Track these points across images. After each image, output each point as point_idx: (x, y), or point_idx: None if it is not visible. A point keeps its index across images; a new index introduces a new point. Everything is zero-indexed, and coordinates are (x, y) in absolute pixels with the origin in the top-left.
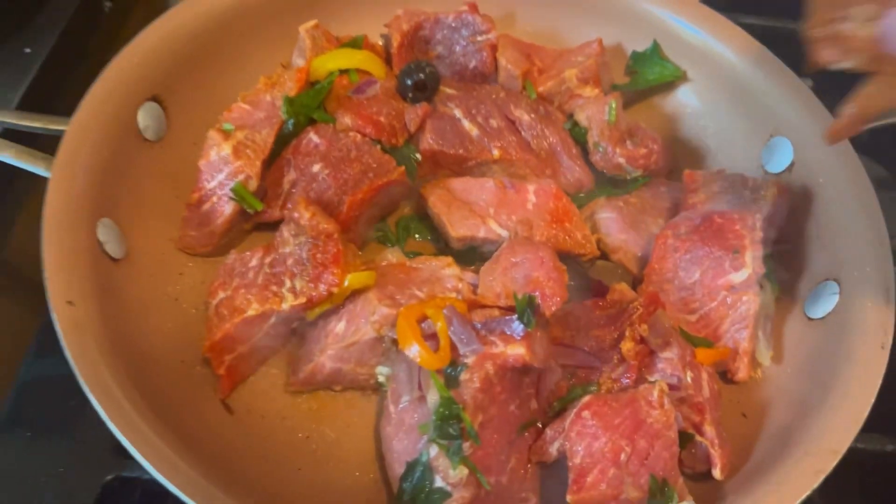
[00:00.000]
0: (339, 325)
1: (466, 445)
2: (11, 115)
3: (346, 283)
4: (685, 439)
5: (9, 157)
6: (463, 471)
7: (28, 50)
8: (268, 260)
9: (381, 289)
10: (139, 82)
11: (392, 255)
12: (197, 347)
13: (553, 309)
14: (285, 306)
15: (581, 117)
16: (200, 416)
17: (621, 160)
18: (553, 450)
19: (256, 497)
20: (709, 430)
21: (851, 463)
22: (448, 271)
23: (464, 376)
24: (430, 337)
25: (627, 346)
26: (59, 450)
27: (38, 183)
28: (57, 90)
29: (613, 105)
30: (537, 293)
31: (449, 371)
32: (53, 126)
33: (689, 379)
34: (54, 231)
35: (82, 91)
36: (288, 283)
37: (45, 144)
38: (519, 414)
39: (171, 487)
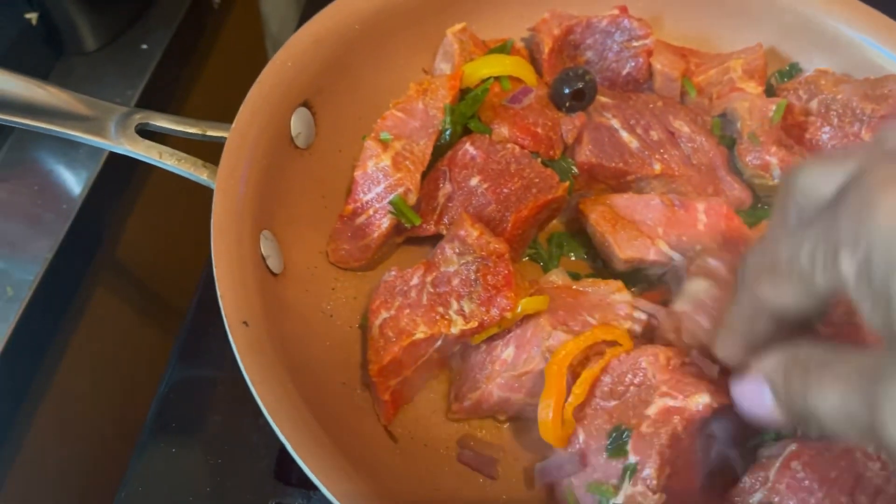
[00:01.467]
0: (506, 352)
1: (655, 498)
2: (169, 119)
3: (518, 309)
4: None
5: (171, 164)
6: None
7: (145, 46)
8: (430, 279)
9: (552, 313)
10: (293, 87)
11: (557, 277)
12: (353, 368)
13: None
14: (454, 330)
15: (740, 107)
16: (367, 441)
17: (773, 160)
18: (755, 501)
19: None
20: None
21: None
22: (619, 297)
23: (646, 429)
24: None
25: None
26: (204, 467)
27: (153, 177)
28: (172, 87)
29: (783, 105)
30: None
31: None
32: (213, 132)
33: None
34: (224, 244)
35: (194, 88)
36: (455, 305)
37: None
38: (704, 461)
39: None
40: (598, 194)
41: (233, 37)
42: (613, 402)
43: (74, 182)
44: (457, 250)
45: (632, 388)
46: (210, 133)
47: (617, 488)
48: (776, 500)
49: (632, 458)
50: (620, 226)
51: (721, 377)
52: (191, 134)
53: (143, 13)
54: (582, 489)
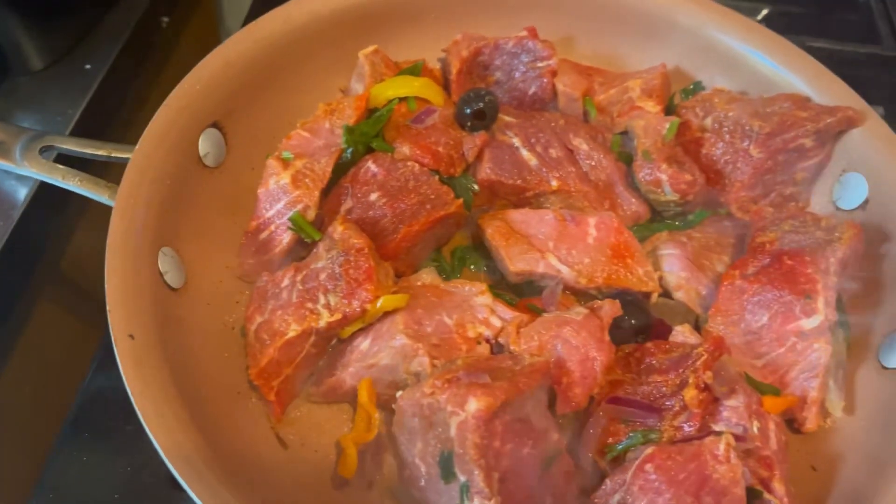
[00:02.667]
0: (364, 343)
1: None
2: (74, 142)
3: (378, 305)
4: (752, 496)
5: (74, 185)
6: None
7: (88, 66)
8: (299, 277)
9: (410, 312)
10: (201, 109)
11: (426, 276)
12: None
13: (574, 403)
14: (322, 323)
15: (636, 126)
16: (256, 450)
17: (664, 177)
18: (613, 502)
19: None
20: (778, 486)
21: None
22: (480, 300)
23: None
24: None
25: (691, 393)
26: (114, 475)
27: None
28: (115, 107)
29: (675, 124)
30: (564, 380)
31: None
32: (118, 154)
33: (755, 429)
34: (118, 260)
35: (139, 109)
36: (322, 300)
37: (103, 169)
38: (537, 453)
39: None
40: (498, 209)
41: (188, 54)
42: (431, 433)
43: (19, 189)
44: (326, 247)
45: (433, 415)
46: (115, 154)
47: None
48: (629, 500)
49: (461, 478)
50: (514, 240)
51: (496, 381)
52: (97, 156)
53: (89, 33)
54: None
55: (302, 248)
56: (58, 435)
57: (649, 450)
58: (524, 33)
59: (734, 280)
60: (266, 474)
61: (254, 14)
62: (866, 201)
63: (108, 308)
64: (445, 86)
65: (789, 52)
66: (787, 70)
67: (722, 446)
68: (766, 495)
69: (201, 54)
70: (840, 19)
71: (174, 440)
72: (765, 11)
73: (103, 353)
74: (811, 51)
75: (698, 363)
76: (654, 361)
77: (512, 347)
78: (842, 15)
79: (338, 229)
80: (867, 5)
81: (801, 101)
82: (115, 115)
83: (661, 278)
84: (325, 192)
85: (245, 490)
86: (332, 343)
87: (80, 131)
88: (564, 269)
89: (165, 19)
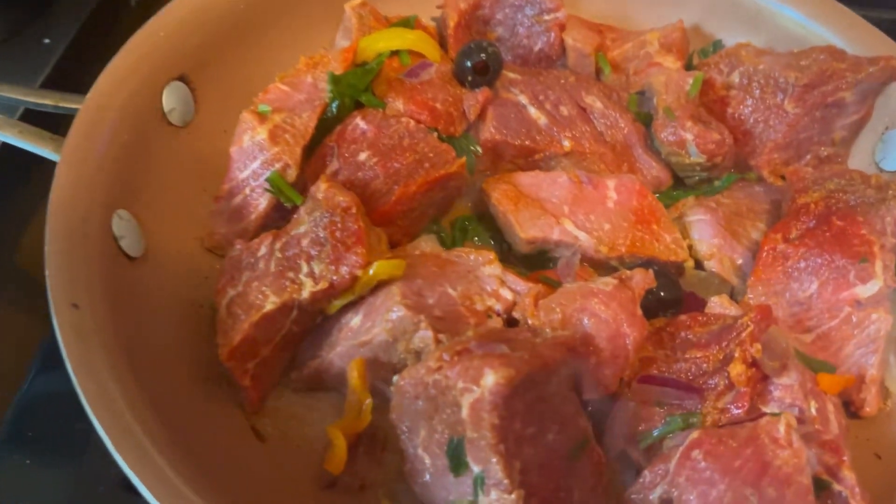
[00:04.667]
0: (355, 319)
1: (512, 498)
2: (25, 92)
3: (371, 272)
4: (819, 487)
5: (12, 136)
6: None
7: (47, 41)
8: (278, 244)
9: (408, 282)
10: (165, 59)
11: (426, 244)
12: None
13: (604, 386)
14: (305, 294)
15: (657, 82)
16: (226, 443)
17: (689, 136)
18: (655, 498)
19: None
20: (848, 475)
21: None
22: (488, 269)
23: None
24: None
25: (738, 369)
26: (61, 480)
27: None
28: (76, 85)
29: (700, 78)
30: (592, 359)
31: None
32: (67, 104)
33: (813, 410)
34: (61, 221)
35: None
36: (305, 268)
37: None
38: (563, 440)
39: None
40: (504, 174)
41: None
42: (438, 418)
43: None
44: (308, 209)
45: (440, 395)
46: (63, 104)
47: (474, 503)
48: (675, 493)
49: (475, 469)
50: (523, 204)
51: (513, 350)
52: (42, 105)
53: (48, 7)
54: None
55: (281, 217)
56: None
57: (695, 434)
58: None
59: (776, 244)
60: (239, 472)
61: None
62: None
63: (46, 273)
64: (442, 43)
65: (819, 2)
66: (817, 23)
67: (782, 427)
68: (835, 485)
69: None
70: None
71: (124, 426)
72: None
73: (42, 355)
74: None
75: (744, 334)
76: (690, 336)
77: (530, 321)
78: None
79: (321, 188)
80: None
81: (838, 52)
82: (77, 92)
83: (690, 247)
84: (308, 153)
85: (213, 490)
86: (317, 320)
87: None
88: (583, 236)
89: None
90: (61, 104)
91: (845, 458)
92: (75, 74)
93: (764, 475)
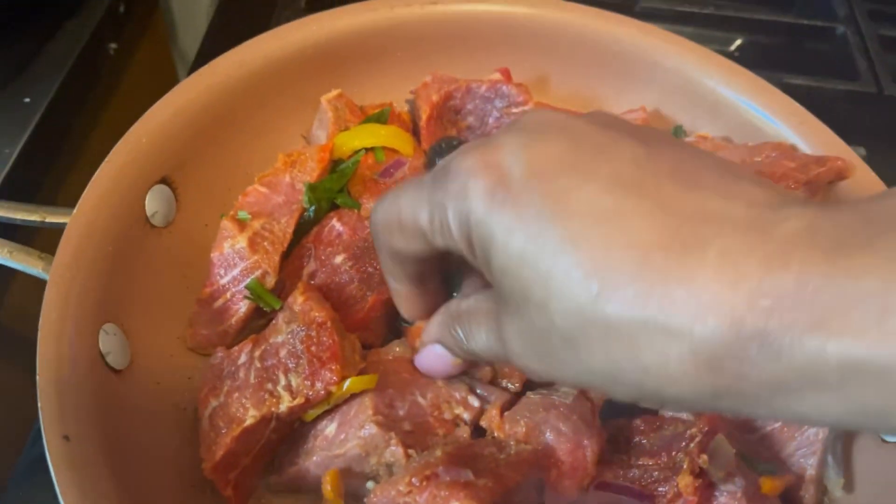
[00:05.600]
0: (329, 427)
1: None
2: (13, 208)
3: (345, 387)
4: None
5: (3, 257)
6: None
7: (27, 100)
8: (258, 353)
9: (380, 393)
10: (149, 164)
11: (399, 348)
12: None
13: (564, 496)
14: (283, 408)
15: None
16: None
17: None
18: None
19: None
20: None
21: None
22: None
23: None
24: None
25: (686, 480)
26: None
27: (40, 235)
28: (58, 142)
29: None
30: (553, 471)
31: None
32: (53, 219)
33: None
34: (52, 348)
35: (84, 143)
36: (283, 380)
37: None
38: None
39: None
40: None
41: (139, 83)
42: None
43: None
44: (286, 319)
45: None
46: (50, 220)
47: None
48: None
49: None
50: None
51: (479, 478)
52: (29, 221)
53: (28, 64)
54: None
55: (260, 317)
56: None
57: None
58: (497, 76)
59: None
60: None
61: (210, 37)
62: None
63: (39, 405)
64: (414, 131)
65: (773, 96)
66: (771, 116)
67: None
68: None
69: (153, 81)
70: (815, 51)
71: None
72: (738, 41)
73: None
74: (789, 87)
75: (692, 445)
76: (644, 441)
77: (497, 433)
78: (816, 45)
79: (298, 300)
80: (843, 38)
81: (789, 150)
82: (57, 150)
83: None
84: (287, 254)
85: None
86: (294, 426)
87: (20, 170)
88: None
89: (113, 45)
90: (48, 220)
91: None
92: (58, 131)
93: None
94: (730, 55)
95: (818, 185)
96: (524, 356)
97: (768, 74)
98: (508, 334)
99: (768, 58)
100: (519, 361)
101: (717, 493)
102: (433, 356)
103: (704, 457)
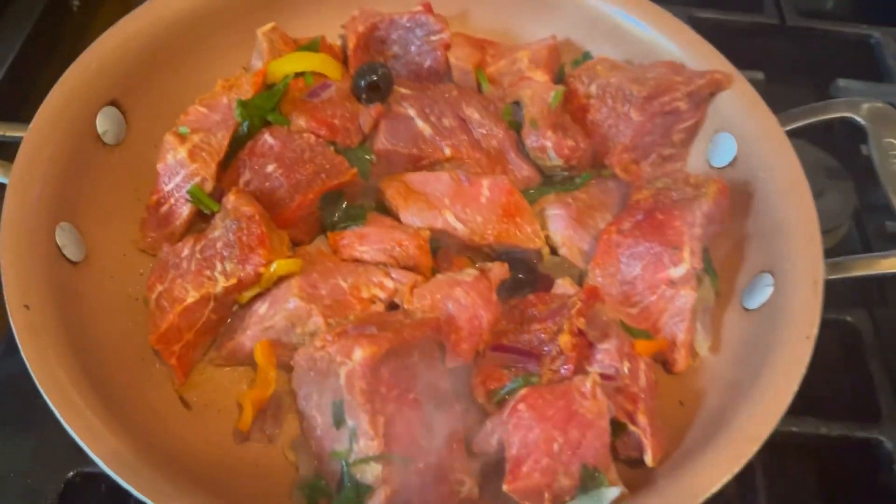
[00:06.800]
0: (261, 307)
1: (375, 444)
2: None
3: (272, 269)
4: (619, 428)
5: None
6: (376, 468)
7: None
8: (199, 247)
9: (305, 276)
10: (98, 87)
11: (322, 243)
12: None
13: (461, 356)
14: (218, 288)
15: (524, 95)
16: (159, 412)
17: (548, 143)
18: (493, 441)
19: (209, 491)
20: (641, 419)
21: (790, 446)
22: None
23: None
24: None
25: (565, 339)
26: (23, 447)
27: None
28: (26, 92)
29: (560, 92)
30: (452, 336)
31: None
32: (13, 133)
33: (626, 370)
34: (12, 236)
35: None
36: (219, 266)
37: (11, 153)
38: (423, 399)
39: (129, 487)
40: (396, 174)
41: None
42: (325, 385)
43: None
44: (221, 216)
45: (325, 367)
46: (9, 133)
47: (349, 450)
48: (505, 438)
49: (350, 424)
50: (412, 199)
51: (381, 330)
52: None
53: None
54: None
55: (202, 220)
56: None
57: (523, 391)
58: (419, 8)
59: (611, 235)
60: (169, 433)
61: None
62: (735, 159)
63: (2, 282)
64: (345, 62)
65: (668, 21)
66: (664, 38)
67: (588, 383)
68: (631, 427)
69: None
70: None
71: (70, 402)
72: None
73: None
74: (698, 21)
75: (573, 311)
76: (535, 312)
77: (405, 306)
78: None
79: (230, 199)
80: None
81: (676, 66)
82: (23, 106)
83: (547, 237)
84: (225, 166)
85: (144, 447)
86: (233, 309)
87: None
88: (459, 226)
89: (76, 3)
90: (8, 134)
91: (640, 406)
92: (25, 82)
93: (570, 421)
94: None
95: (701, 97)
96: None
97: (679, 9)
98: None
99: None
100: None
101: (595, 352)
102: None
103: (582, 320)
